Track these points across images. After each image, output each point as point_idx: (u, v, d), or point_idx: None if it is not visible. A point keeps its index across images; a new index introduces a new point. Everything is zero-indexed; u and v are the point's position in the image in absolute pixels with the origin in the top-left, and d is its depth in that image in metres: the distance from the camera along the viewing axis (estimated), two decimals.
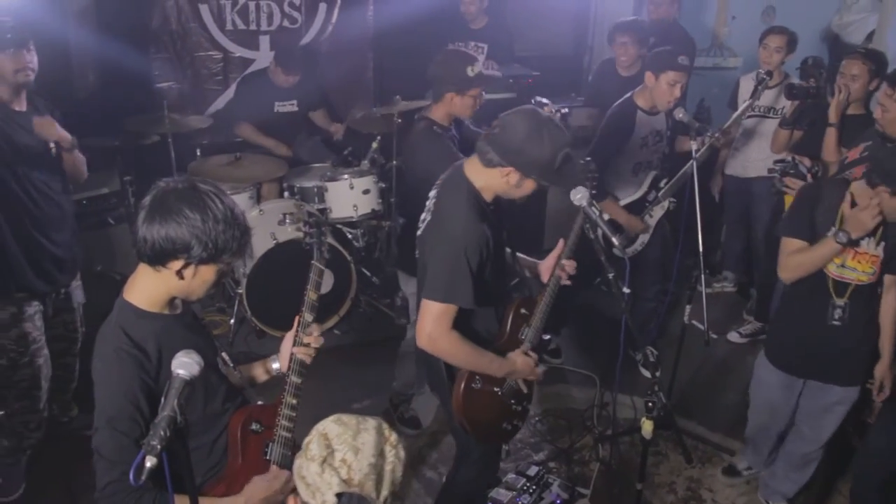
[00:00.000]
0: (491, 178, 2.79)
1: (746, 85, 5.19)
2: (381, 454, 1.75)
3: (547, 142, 2.66)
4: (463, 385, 2.91)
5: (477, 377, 2.94)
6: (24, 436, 3.73)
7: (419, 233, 2.97)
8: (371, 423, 1.81)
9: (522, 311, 3.06)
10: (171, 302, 2.26)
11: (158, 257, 2.09)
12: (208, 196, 2.11)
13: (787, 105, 4.75)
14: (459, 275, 2.71)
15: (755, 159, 5.29)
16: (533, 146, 2.66)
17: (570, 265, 3.06)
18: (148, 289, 2.20)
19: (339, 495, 1.72)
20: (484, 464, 3.28)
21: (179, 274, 2.12)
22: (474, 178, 2.82)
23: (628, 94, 4.44)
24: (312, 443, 1.81)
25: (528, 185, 2.78)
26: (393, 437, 1.81)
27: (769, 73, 4.81)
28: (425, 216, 2.94)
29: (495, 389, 3.02)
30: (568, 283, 3.09)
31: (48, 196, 3.55)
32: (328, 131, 6.21)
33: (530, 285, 3.25)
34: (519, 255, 3.25)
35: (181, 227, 2.05)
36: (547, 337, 3.12)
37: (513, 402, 3.10)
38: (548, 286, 3.07)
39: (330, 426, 1.81)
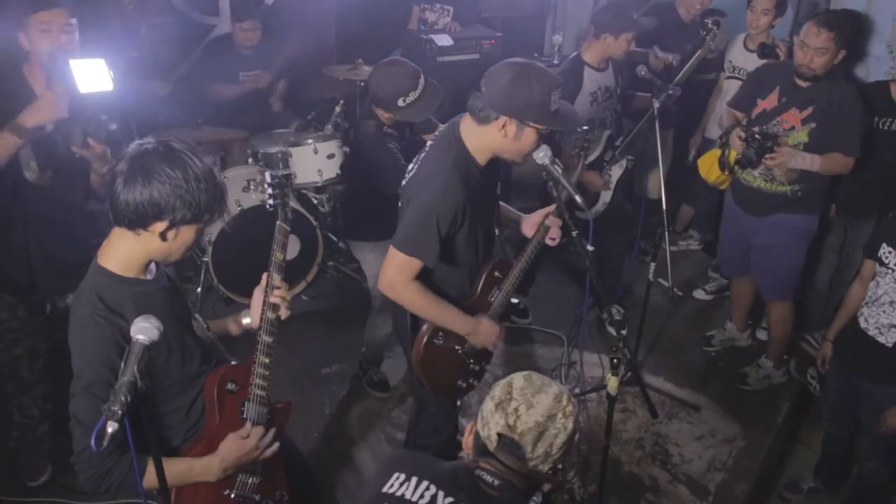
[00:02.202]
0: (487, 136, 2.73)
1: (737, 44, 5.14)
2: (550, 417, 1.85)
3: (535, 83, 2.61)
4: (425, 339, 2.94)
5: (440, 333, 2.96)
6: (27, 426, 3.64)
7: (404, 182, 2.93)
8: (554, 389, 1.91)
9: (496, 273, 3.06)
10: (147, 266, 2.24)
11: (141, 220, 2.06)
12: (186, 154, 2.09)
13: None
14: (426, 233, 2.71)
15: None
16: (522, 88, 2.61)
17: (555, 223, 3.03)
18: (125, 253, 2.16)
19: (500, 435, 1.85)
20: (442, 416, 3.32)
21: (163, 235, 2.10)
22: (468, 139, 2.78)
23: (575, 53, 4.49)
24: (499, 386, 1.93)
25: (529, 137, 2.71)
26: (569, 408, 1.88)
27: (717, 23, 4.83)
28: (412, 167, 2.92)
29: (456, 347, 3.03)
30: (553, 242, 3.08)
31: None
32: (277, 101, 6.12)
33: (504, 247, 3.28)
34: (503, 205, 3.25)
35: (164, 188, 2.02)
36: (515, 301, 3.13)
37: (471, 361, 3.11)
38: (526, 248, 3.06)
39: (518, 378, 1.93)
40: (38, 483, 3.66)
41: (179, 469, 2.23)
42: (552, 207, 3.04)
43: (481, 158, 2.80)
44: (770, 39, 4.85)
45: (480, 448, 1.91)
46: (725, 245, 4.73)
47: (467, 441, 2.00)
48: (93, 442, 1.73)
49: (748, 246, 4.38)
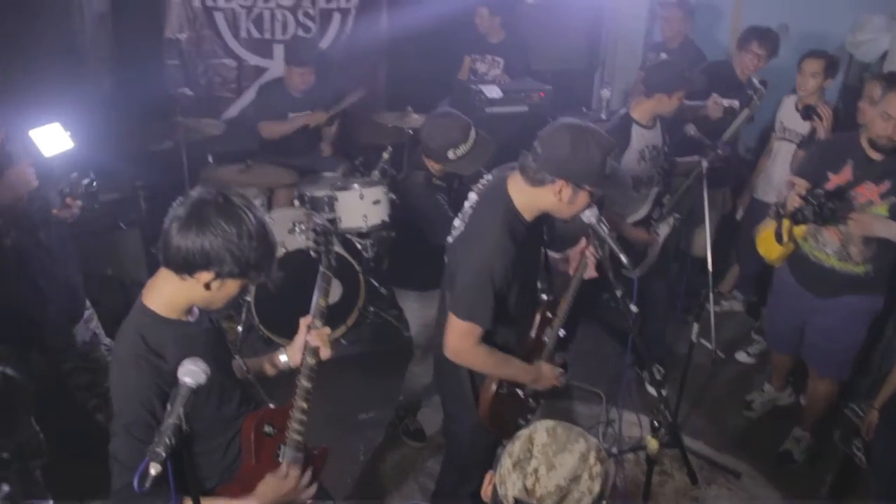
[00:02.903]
0: (540, 197, 2.72)
1: (788, 105, 5.12)
2: (574, 479, 1.71)
3: (594, 147, 2.60)
4: (492, 392, 2.98)
5: (504, 382, 3.01)
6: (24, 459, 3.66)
7: (450, 240, 2.96)
8: (581, 445, 1.75)
9: (547, 314, 3.10)
10: (190, 309, 2.26)
11: (188, 267, 2.08)
12: (243, 210, 2.10)
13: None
14: (482, 297, 2.71)
15: (778, 184, 5.10)
16: (581, 154, 2.59)
17: (592, 252, 3.08)
18: (169, 295, 2.19)
19: (517, 500, 1.72)
20: (472, 468, 3.29)
21: (206, 285, 2.12)
22: (517, 197, 2.77)
23: (624, 109, 4.48)
24: (519, 440, 1.79)
25: (582, 199, 2.72)
26: (597, 468, 1.74)
27: (764, 83, 4.78)
28: (459, 224, 2.92)
29: (518, 391, 3.11)
30: (595, 274, 3.12)
31: None
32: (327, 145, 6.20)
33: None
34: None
35: (216, 240, 2.04)
36: (563, 333, 3.15)
37: (531, 400, 3.22)
38: (571, 284, 3.11)
39: (540, 433, 1.78)
40: None
41: None
42: (586, 243, 3.09)
43: (528, 216, 2.80)
44: (820, 101, 4.79)
45: None
46: (776, 322, 4.50)
47: (486, 491, 1.89)
48: (136, 483, 1.74)
49: (803, 324, 4.18)
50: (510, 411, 3.13)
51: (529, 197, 2.74)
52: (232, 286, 2.17)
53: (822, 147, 4.15)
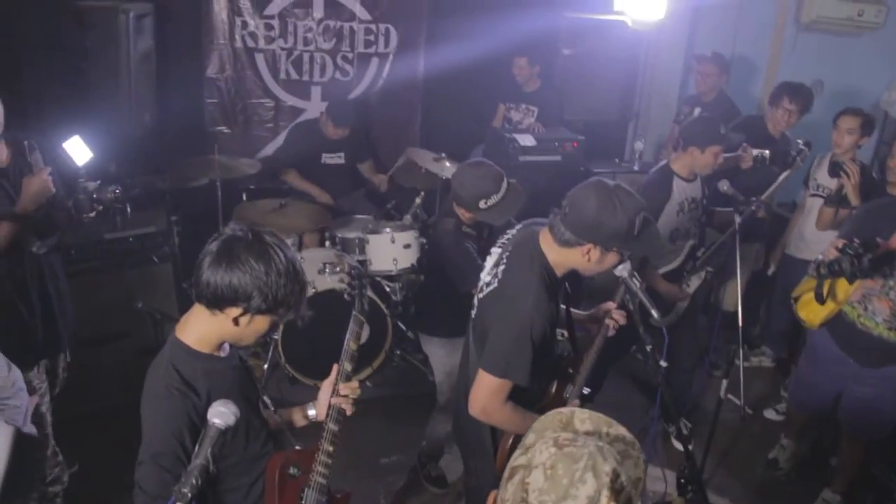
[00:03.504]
0: (569, 257, 2.71)
1: (823, 163, 5.10)
2: None
3: (620, 211, 2.57)
4: (510, 444, 2.90)
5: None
6: (46, 491, 3.70)
7: (481, 295, 2.91)
8: (588, 487, 1.41)
9: (569, 370, 3.05)
10: (221, 345, 2.28)
11: (217, 302, 2.12)
12: (273, 248, 2.13)
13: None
14: (521, 353, 2.66)
15: (810, 241, 5.12)
16: (608, 218, 2.56)
17: (619, 315, 3.04)
18: (201, 330, 2.21)
19: None
20: None
21: (235, 321, 2.14)
22: (548, 253, 2.75)
23: (664, 162, 4.47)
24: (511, 481, 1.48)
25: (611, 259, 2.70)
26: None
27: (808, 144, 4.72)
28: (490, 280, 2.86)
29: None
30: (612, 333, 3.08)
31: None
32: (373, 183, 6.29)
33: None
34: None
35: (245, 277, 2.07)
36: (587, 391, 3.11)
37: None
38: (594, 342, 3.05)
39: (537, 476, 1.45)
40: None
41: None
42: (613, 304, 3.06)
43: (559, 271, 2.78)
44: (848, 159, 4.74)
45: None
46: (806, 385, 4.37)
47: None
48: None
49: (840, 391, 4.08)
50: None
51: (559, 255, 2.72)
52: (261, 322, 2.19)
53: (871, 211, 3.95)
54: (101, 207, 3.53)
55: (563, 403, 3.01)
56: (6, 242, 3.28)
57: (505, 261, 2.83)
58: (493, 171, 3.74)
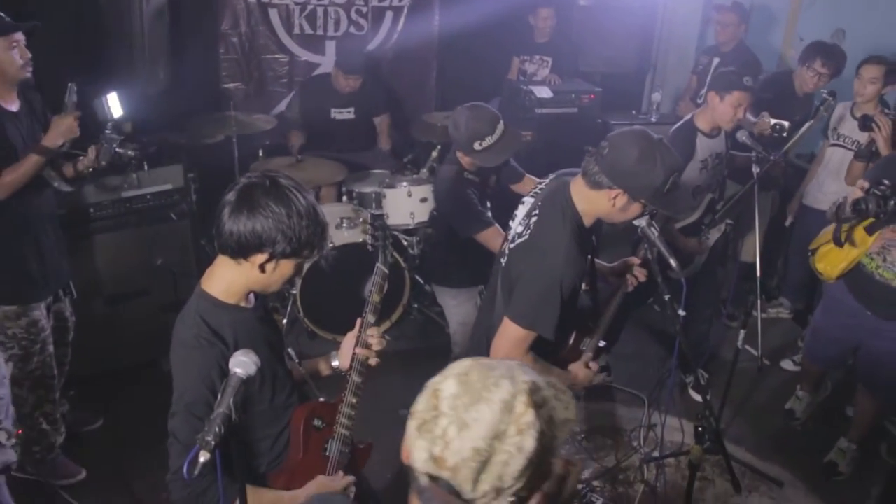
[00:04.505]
0: (596, 202, 2.70)
1: (842, 110, 5.04)
2: (496, 437, 1.26)
3: (660, 165, 2.57)
4: None
5: None
6: (48, 434, 3.75)
7: (512, 245, 2.89)
8: (504, 390, 1.30)
9: (588, 323, 3.07)
10: (247, 295, 2.30)
11: (242, 250, 2.12)
12: (291, 191, 2.14)
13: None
14: (549, 306, 2.66)
15: (830, 192, 5.01)
16: (646, 169, 2.57)
17: (641, 272, 3.06)
18: (227, 280, 2.22)
19: (428, 475, 1.33)
20: None
21: (261, 267, 2.15)
22: (578, 201, 2.74)
23: (688, 116, 4.41)
24: (424, 395, 1.37)
25: (634, 210, 2.70)
26: (526, 417, 1.28)
27: (833, 94, 4.67)
28: (522, 231, 2.84)
29: None
30: (630, 289, 3.10)
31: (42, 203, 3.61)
32: (385, 139, 6.26)
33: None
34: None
35: (268, 221, 2.08)
36: (603, 343, 3.12)
37: None
38: (614, 296, 3.08)
39: (448, 382, 1.34)
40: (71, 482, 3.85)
41: (269, 499, 2.28)
42: (637, 259, 3.07)
43: (587, 221, 2.77)
44: (878, 112, 4.69)
45: (413, 481, 1.41)
46: (822, 337, 4.37)
47: (404, 456, 1.44)
48: (185, 470, 1.77)
49: (855, 344, 4.08)
50: None
51: (587, 201, 2.71)
52: (286, 267, 2.20)
53: (890, 160, 3.93)
54: (121, 159, 3.72)
55: (580, 355, 3.03)
56: (32, 173, 3.40)
57: (537, 212, 2.82)
58: (489, 113, 3.75)
